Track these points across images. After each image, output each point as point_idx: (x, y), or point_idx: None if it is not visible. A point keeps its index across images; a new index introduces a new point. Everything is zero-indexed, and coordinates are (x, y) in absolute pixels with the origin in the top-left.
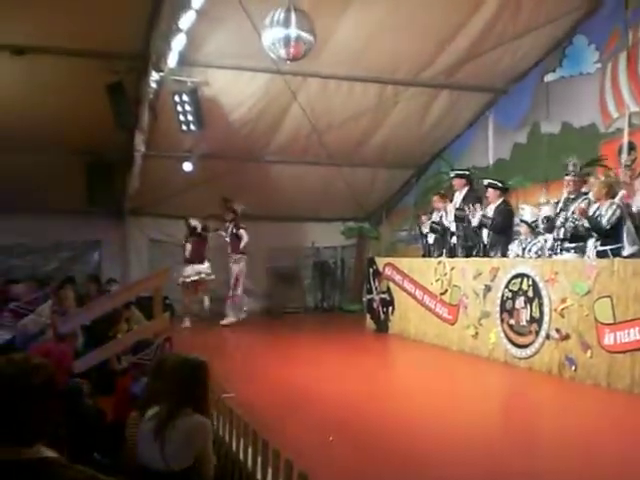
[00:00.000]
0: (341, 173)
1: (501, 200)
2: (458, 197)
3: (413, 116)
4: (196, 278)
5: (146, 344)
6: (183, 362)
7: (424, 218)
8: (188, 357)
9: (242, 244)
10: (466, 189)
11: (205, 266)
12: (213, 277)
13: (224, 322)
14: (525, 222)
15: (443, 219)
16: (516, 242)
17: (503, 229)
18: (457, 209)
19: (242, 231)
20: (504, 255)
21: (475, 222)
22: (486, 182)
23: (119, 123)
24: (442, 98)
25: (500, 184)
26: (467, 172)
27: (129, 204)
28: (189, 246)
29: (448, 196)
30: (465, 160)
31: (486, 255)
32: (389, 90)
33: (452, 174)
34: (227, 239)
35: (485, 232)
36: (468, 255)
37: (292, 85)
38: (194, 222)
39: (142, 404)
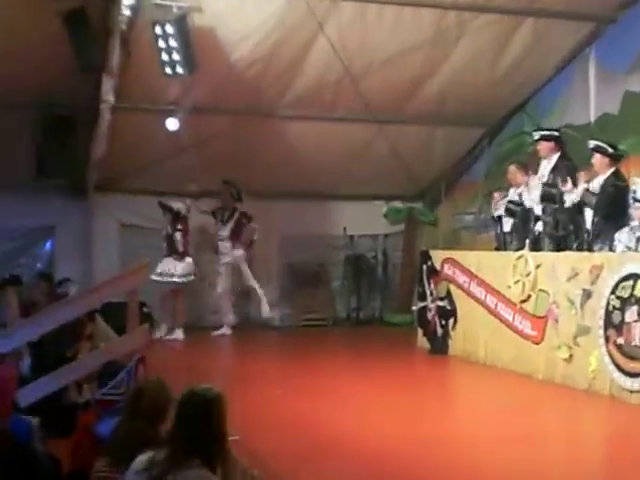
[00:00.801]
0: (384, 133)
1: (612, 171)
2: (546, 167)
3: (484, 54)
4: (172, 280)
5: (116, 368)
6: (190, 395)
7: (498, 196)
8: (196, 388)
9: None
10: (556, 156)
11: (188, 264)
12: (192, 278)
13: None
14: None
15: (524, 198)
16: (626, 230)
17: (614, 212)
18: (544, 184)
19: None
20: (612, 248)
21: (570, 201)
22: (592, 144)
23: (80, 64)
24: (524, 29)
25: (611, 149)
26: (558, 132)
27: (93, 175)
28: (179, 236)
29: (532, 166)
30: (556, 116)
31: (589, 248)
32: (451, 18)
33: (537, 135)
34: (226, 230)
35: (589, 215)
36: (559, 248)
37: (317, 11)
38: (177, 205)
39: (114, 448)
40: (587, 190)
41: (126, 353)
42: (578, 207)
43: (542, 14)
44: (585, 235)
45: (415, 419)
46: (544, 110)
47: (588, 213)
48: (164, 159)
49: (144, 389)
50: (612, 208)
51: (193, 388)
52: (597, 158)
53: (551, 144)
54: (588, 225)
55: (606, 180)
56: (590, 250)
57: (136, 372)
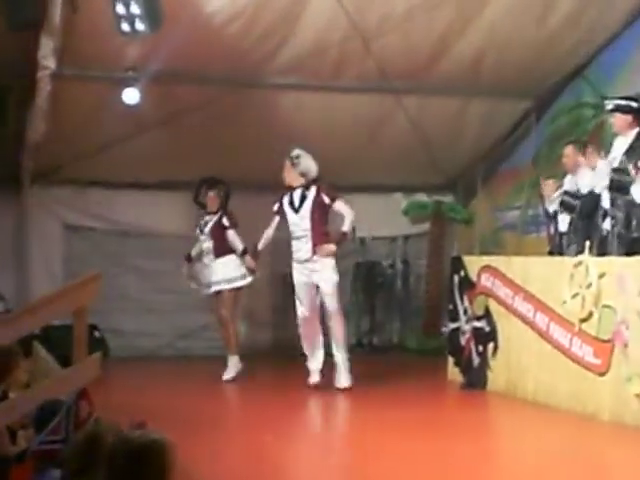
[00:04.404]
0: (403, 106)
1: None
2: (619, 148)
3: (531, 3)
4: (227, 287)
5: (55, 407)
6: (120, 442)
7: (550, 186)
8: (131, 436)
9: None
10: (634, 133)
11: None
12: (249, 280)
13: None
14: None
15: (584, 186)
16: None
17: None
18: (615, 170)
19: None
20: None
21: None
22: (611, 105)
23: (10, 20)
24: None
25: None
26: (637, 103)
27: (29, 163)
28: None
29: (595, 147)
30: (623, 82)
31: None
32: None
33: (610, 105)
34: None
35: None
36: (632, 252)
37: None
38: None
39: None
40: None
41: (72, 389)
42: None
43: None
44: None
45: (443, 477)
46: (608, 75)
47: None
48: (120, 141)
49: (101, 435)
50: None
51: (125, 433)
52: (618, 119)
53: (629, 118)
54: None
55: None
56: None
57: (77, 411)
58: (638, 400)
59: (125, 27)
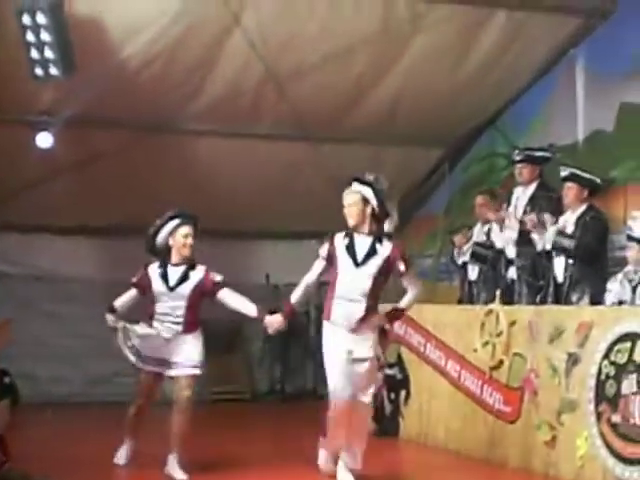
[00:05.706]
0: (318, 154)
1: (586, 206)
2: (522, 198)
3: (446, 54)
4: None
5: None
6: None
7: (461, 239)
8: (29, 476)
9: None
10: (535, 184)
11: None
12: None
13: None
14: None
15: (495, 237)
16: (619, 277)
17: (592, 255)
18: (521, 221)
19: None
20: (596, 301)
21: (546, 244)
22: (566, 172)
23: None
24: (495, 24)
25: (588, 176)
26: (550, 154)
27: None
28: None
29: (504, 197)
30: (535, 133)
31: (566, 300)
32: (403, 8)
33: (520, 156)
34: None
35: (560, 261)
36: (539, 301)
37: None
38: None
39: None
40: (560, 232)
41: None
42: (553, 250)
43: (517, 5)
44: (560, 285)
45: None
46: (520, 126)
47: (561, 259)
48: (35, 185)
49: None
50: (592, 251)
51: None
52: (570, 189)
53: (536, 169)
54: (557, 273)
55: (581, 216)
56: (570, 302)
57: None
58: (547, 447)
59: (39, 72)
